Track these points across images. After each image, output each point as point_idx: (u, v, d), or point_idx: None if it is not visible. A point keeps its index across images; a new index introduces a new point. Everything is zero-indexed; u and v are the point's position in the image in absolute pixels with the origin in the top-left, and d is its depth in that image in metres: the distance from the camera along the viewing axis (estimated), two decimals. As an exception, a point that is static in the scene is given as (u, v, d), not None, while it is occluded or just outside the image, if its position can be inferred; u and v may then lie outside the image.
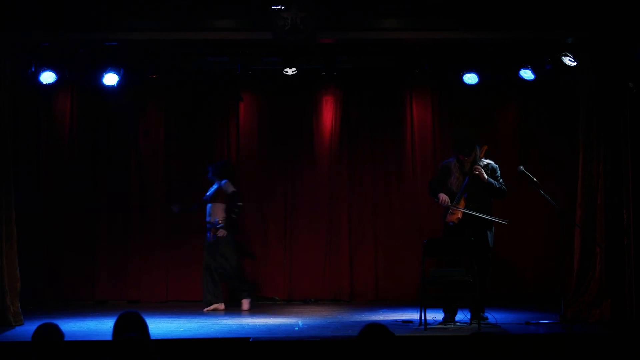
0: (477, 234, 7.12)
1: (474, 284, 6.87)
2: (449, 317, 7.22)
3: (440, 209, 7.50)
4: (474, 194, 7.25)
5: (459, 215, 7.22)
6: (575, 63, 7.55)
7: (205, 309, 8.34)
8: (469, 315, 7.18)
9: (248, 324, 7.30)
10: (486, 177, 7.25)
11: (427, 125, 9.38)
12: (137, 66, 8.65)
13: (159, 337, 6.15)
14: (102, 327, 6.98)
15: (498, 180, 7.37)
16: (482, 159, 7.41)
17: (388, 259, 9.27)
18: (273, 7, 6.94)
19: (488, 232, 7.25)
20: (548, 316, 7.23)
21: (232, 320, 7.58)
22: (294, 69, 8.53)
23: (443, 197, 7.33)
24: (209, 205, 8.57)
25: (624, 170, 7.12)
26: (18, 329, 7.03)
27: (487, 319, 7.14)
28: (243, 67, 8.37)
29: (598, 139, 7.29)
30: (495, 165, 7.44)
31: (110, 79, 8.33)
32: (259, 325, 7.24)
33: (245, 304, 8.46)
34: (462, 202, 7.25)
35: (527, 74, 8.31)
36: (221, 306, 8.41)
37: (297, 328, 7.02)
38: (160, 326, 7.03)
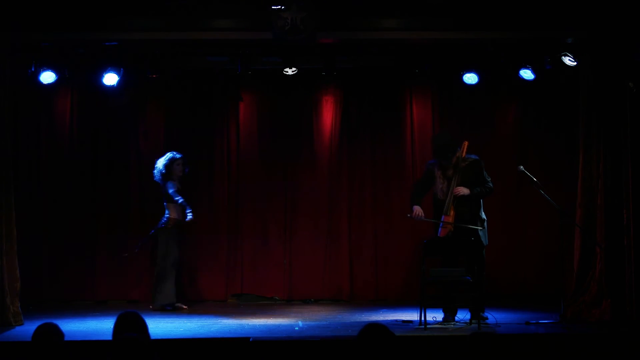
0: (472, 235, 7.10)
1: (473, 284, 6.87)
2: (449, 317, 7.22)
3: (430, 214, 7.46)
4: (462, 198, 7.18)
5: (451, 227, 7.16)
6: (575, 63, 7.55)
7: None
8: (468, 315, 7.18)
9: (248, 324, 7.30)
10: (468, 191, 7.16)
11: (427, 125, 9.38)
12: (137, 66, 8.65)
13: (159, 337, 6.14)
14: (102, 327, 6.98)
15: (483, 176, 7.25)
16: (465, 157, 7.29)
17: (388, 259, 9.27)
18: (273, 7, 6.94)
19: (480, 232, 7.20)
20: (548, 316, 7.23)
21: (232, 320, 7.58)
22: (294, 69, 8.53)
23: (416, 211, 7.28)
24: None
25: (624, 170, 7.12)
26: (18, 329, 7.03)
27: (487, 318, 7.13)
28: (243, 67, 8.37)
29: (598, 139, 7.29)
30: (479, 160, 7.31)
31: (110, 79, 8.33)
32: (259, 325, 7.24)
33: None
34: (452, 213, 7.18)
35: (527, 74, 8.31)
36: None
37: (297, 328, 7.02)
38: (160, 326, 7.02)
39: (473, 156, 7.34)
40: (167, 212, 8.41)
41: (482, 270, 7.22)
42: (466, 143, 7.32)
